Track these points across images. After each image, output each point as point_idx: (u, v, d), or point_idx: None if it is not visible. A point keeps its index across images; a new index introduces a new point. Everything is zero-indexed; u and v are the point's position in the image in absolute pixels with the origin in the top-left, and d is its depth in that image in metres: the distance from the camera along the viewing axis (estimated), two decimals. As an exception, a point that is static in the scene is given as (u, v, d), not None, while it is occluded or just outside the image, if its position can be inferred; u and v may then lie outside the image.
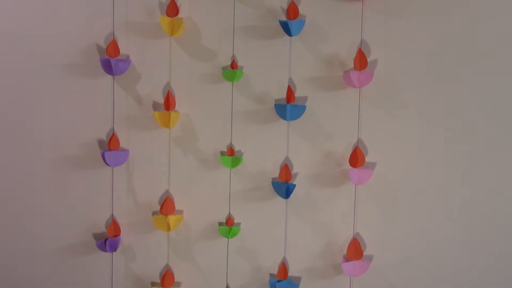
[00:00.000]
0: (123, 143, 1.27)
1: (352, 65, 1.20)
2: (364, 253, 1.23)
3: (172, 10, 1.22)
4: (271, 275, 1.27)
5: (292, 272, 1.26)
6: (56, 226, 1.29)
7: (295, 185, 1.22)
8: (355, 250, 1.21)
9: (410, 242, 1.21)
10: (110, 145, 1.25)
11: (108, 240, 1.26)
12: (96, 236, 1.30)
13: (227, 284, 1.28)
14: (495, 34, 1.16)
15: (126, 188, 1.28)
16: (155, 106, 1.26)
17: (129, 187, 1.28)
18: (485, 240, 1.19)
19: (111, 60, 1.21)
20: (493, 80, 1.17)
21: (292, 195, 1.23)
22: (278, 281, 1.23)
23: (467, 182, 1.19)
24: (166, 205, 1.25)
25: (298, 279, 1.26)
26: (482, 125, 1.18)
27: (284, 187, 1.21)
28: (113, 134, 1.25)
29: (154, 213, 1.28)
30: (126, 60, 1.24)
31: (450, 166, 1.19)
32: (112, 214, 1.28)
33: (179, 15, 1.23)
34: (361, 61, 1.18)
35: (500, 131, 1.17)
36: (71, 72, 1.26)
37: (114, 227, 1.27)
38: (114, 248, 1.26)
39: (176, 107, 1.25)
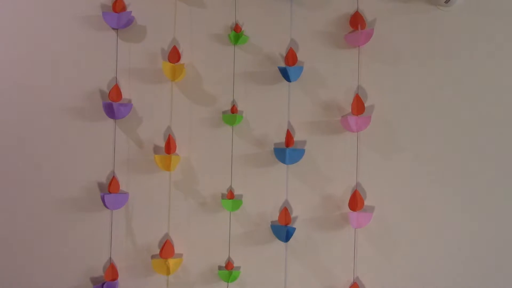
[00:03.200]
0: (123, 186, 1.26)
1: (349, 110, 1.22)
2: (365, 298, 1.21)
3: (174, 56, 1.25)
4: (271, 320, 1.24)
5: (292, 317, 1.24)
6: (54, 269, 1.26)
7: (295, 229, 1.21)
8: (356, 294, 1.19)
9: (410, 286, 1.20)
10: (110, 188, 1.24)
11: (105, 284, 1.23)
12: (94, 280, 1.26)
13: (226, 329, 1.25)
14: (488, 76, 1.20)
15: (125, 231, 1.26)
16: (156, 149, 1.26)
17: (128, 230, 1.26)
18: (486, 281, 1.19)
19: (113, 104, 1.22)
20: (489, 122, 1.19)
21: (291, 239, 1.22)
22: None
23: (466, 223, 1.19)
24: (165, 249, 1.23)
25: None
26: (479, 167, 1.19)
27: (283, 230, 1.20)
28: (113, 177, 1.25)
29: (153, 257, 1.25)
30: (128, 104, 1.25)
31: (448, 208, 1.20)
32: (110, 257, 1.25)
33: (181, 61, 1.26)
34: (358, 106, 1.20)
35: (499, 172, 1.19)
36: (74, 115, 1.25)
37: (112, 271, 1.24)
38: (111, 292, 1.23)
39: (177, 151, 1.25)
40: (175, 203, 1.26)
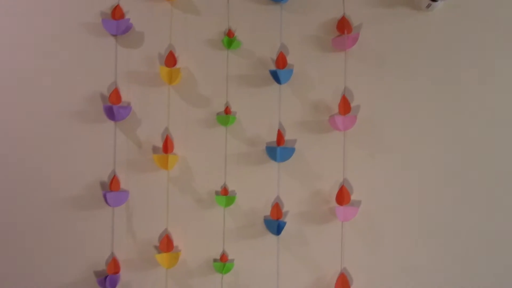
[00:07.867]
0: (123, 184, 1.26)
1: (337, 110, 1.22)
2: (352, 287, 1.22)
3: (171, 60, 1.25)
4: (264, 309, 1.25)
5: (284, 306, 1.24)
6: (58, 263, 1.27)
7: (285, 223, 1.21)
8: (343, 284, 1.20)
9: (395, 276, 1.20)
10: (111, 187, 1.25)
11: (108, 277, 1.24)
12: (97, 274, 1.27)
13: (222, 318, 1.26)
14: (471, 78, 1.19)
15: (126, 227, 1.26)
16: (154, 149, 1.26)
17: (129, 226, 1.26)
18: (470, 272, 1.18)
19: (113, 107, 1.22)
20: (473, 123, 1.19)
21: (283, 232, 1.22)
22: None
23: (449, 216, 1.19)
24: (165, 243, 1.24)
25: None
26: (462, 166, 1.19)
27: (275, 224, 1.20)
28: (114, 176, 1.25)
29: (155, 249, 1.26)
30: (127, 107, 1.25)
31: (430, 201, 1.19)
32: (112, 252, 1.25)
33: (177, 65, 1.26)
34: (345, 106, 1.20)
35: (482, 171, 1.18)
36: (77, 118, 1.26)
37: (114, 264, 1.25)
38: (113, 285, 1.25)
39: (174, 150, 1.25)
40: (173, 200, 1.26)
